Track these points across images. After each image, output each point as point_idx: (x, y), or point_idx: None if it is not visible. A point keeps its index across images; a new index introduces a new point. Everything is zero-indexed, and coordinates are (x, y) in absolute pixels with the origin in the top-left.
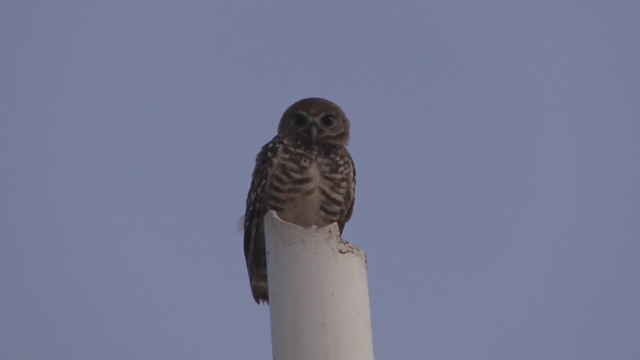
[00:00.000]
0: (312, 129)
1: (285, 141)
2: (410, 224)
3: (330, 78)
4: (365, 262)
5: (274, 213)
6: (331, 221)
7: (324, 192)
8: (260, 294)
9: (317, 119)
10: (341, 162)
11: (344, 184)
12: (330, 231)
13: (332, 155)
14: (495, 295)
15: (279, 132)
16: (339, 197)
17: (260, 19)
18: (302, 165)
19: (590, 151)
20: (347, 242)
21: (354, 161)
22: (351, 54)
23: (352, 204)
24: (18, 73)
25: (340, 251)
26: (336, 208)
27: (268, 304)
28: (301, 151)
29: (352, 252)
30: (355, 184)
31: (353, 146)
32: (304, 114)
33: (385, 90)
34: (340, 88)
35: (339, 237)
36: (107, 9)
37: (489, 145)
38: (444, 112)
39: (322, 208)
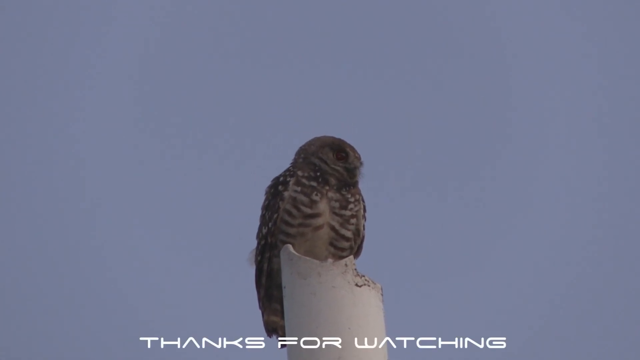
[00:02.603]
0: (357, 172)
1: (299, 173)
2: (420, 242)
3: (326, 78)
4: (382, 295)
5: (290, 247)
6: (340, 257)
7: (333, 228)
8: (272, 329)
9: (359, 163)
10: (352, 200)
11: (353, 220)
12: (346, 265)
13: (344, 192)
14: (511, 315)
15: (298, 157)
16: (348, 234)
17: (262, 18)
18: (313, 199)
19: (594, 145)
20: (364, 276)
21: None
22: (346, 53)
23: (362, 240)
24: (20, 72)
25: (357, 285)
26: (345, 244)
27: (279, 337)
28: (314, 184)
29: (369, 286)
30: (365, 221)
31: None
32: (350, 153)
33: (381, 91)
34: (337, 85)
35: (355, 271)
36: (108, 8)
37: (494, 151)
38: (445, 116)
39: (331, 244)
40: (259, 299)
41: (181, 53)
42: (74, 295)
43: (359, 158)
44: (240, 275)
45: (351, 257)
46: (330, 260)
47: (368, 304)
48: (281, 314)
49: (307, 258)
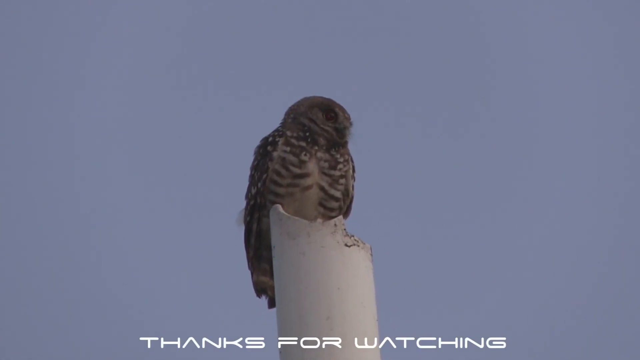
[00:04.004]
0: (346, 132)
1: (288, 133)
2: (413, 216)
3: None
4: (371, 255)
5: (279, 207)
6: (330, 217)
7: (322, 188)
8: (261, 289)
9: (348, 123)
10: (341, 160)
11: (342, 180)
12: (335, 225)
13: (333, 152)
14: (504, 287)
15: (287, 117)
16: (338, 194)
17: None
18: (302, 159)
19: (590, 140)
20: (353, 236)
21: (359, 151)
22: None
23: (351, 201)
24: (17, 73)
25: (346, 245)
26: (334, 204)
27: (269, 298)
28: (303, 144)
29: (358, 246)
30: (354, 181)
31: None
32: (340, 113)
33: (390, 91)
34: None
35: (344, 231)
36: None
37: (494, 141)
38: (450, 108)
39: (320, 204)
40: (248, 259)
41: (177, 52)
42: (74, 296)
43: (348, 118)
44: (241, 274)
45: (340, 217)
46: (319, 220)
47: (357, 264)
48: (270, 274)
49: (296, 218)
